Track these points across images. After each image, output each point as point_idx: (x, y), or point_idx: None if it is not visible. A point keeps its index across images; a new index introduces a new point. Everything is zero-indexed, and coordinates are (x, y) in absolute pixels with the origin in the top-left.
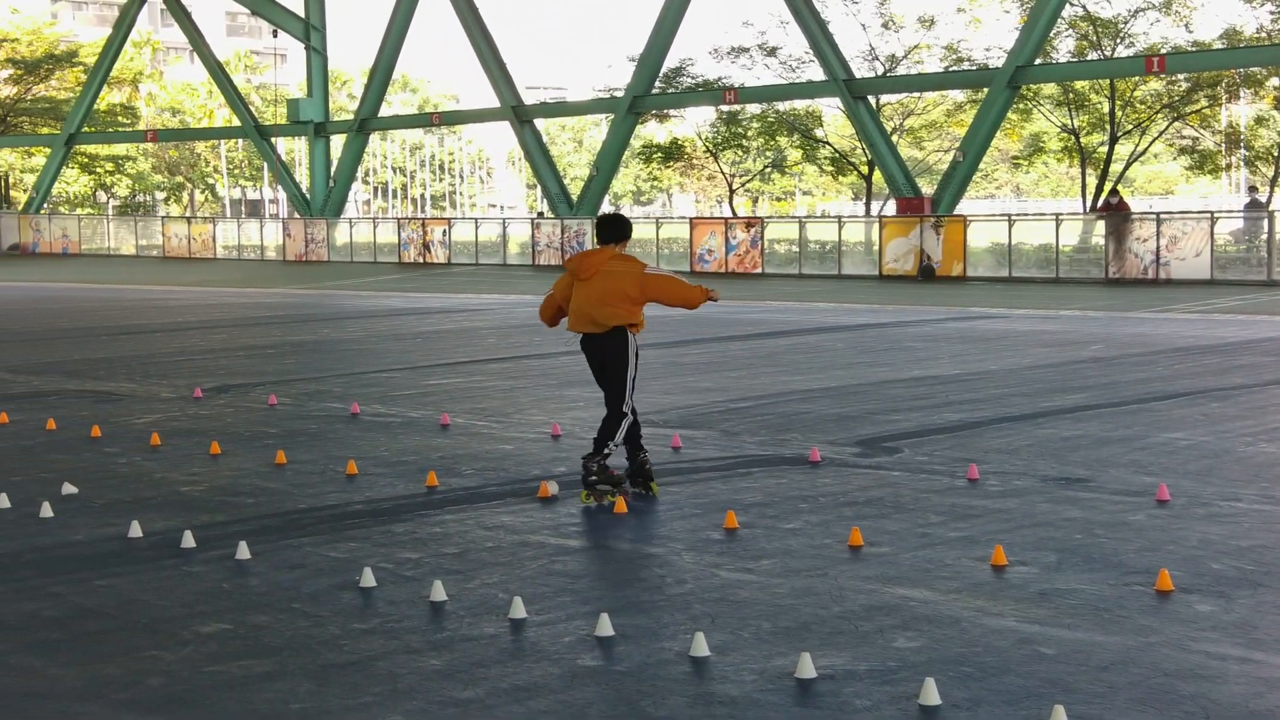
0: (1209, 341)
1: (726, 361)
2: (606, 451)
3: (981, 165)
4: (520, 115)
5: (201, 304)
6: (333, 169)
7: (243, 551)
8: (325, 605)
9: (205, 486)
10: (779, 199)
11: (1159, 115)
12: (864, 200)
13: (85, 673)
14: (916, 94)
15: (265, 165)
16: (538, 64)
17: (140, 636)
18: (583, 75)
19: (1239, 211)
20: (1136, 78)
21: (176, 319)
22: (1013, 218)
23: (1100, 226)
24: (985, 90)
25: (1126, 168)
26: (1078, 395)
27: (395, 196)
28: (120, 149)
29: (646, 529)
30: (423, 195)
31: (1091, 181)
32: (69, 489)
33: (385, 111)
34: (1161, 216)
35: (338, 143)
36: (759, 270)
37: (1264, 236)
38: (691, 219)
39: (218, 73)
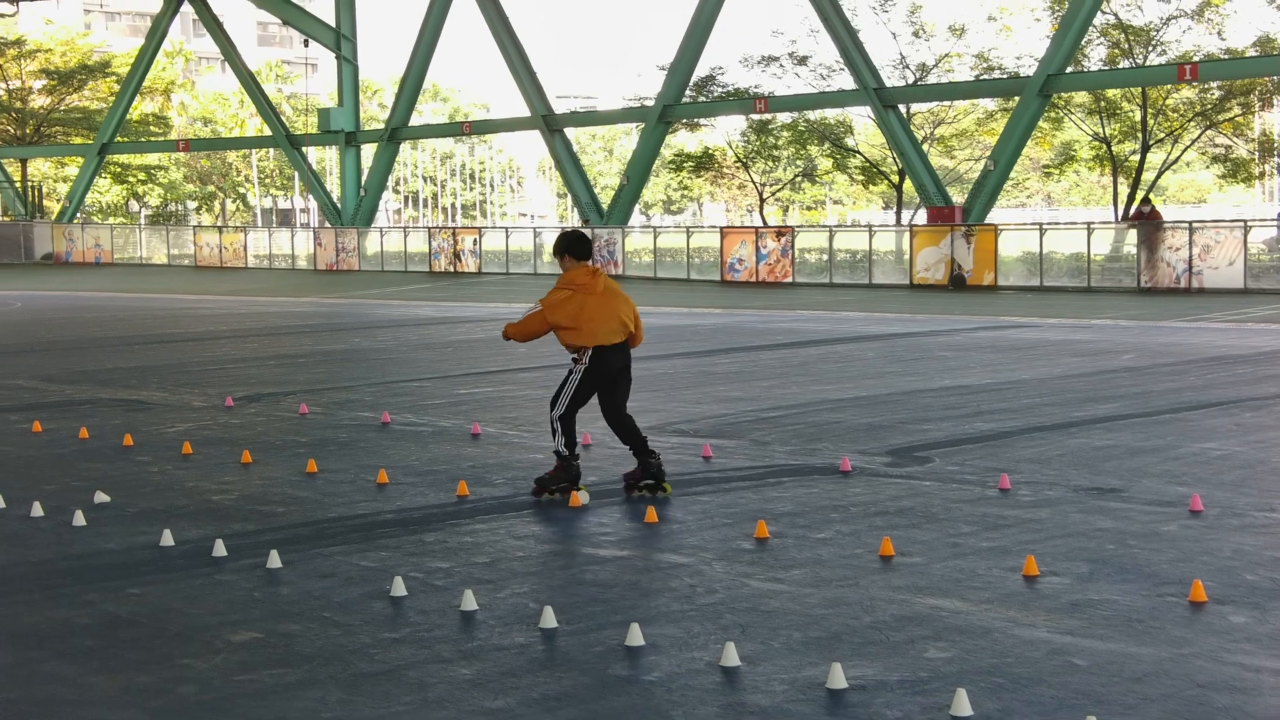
0: (1242, 351)
1: (757, 371)
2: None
3: (1012, 174)
4: (551, 124)
5: (233, 313)
6: (363, 178)
7: (274, 560)
8: (356, 614)
9: (236, 495)
10: (809, 208)
11: (1191, 123)
12: (894, 209)
13: (118, 681)
14: (947, 103)
15: (296, 174)
16: (568, 73)
17: (172, 645)
18: (613, 84)
19: (1272, 220)
20: (1169, 86)
21: (208, 328)
22: (1044, 226)
23: (1132, 235)
24: (1016, 99)
25: (1159, 176)
26: (1110, 405)
27: (426, 205)
28: (152, 158)
29: (677, 539)
30: (453, 204)
31: (1123, 190)
32: (101, 497)
33: (416, 121)
34: (1194, 225)
35: (368, 152)
36: (789, 279)
37: None
38: (722, 228)
39: (249, 82)
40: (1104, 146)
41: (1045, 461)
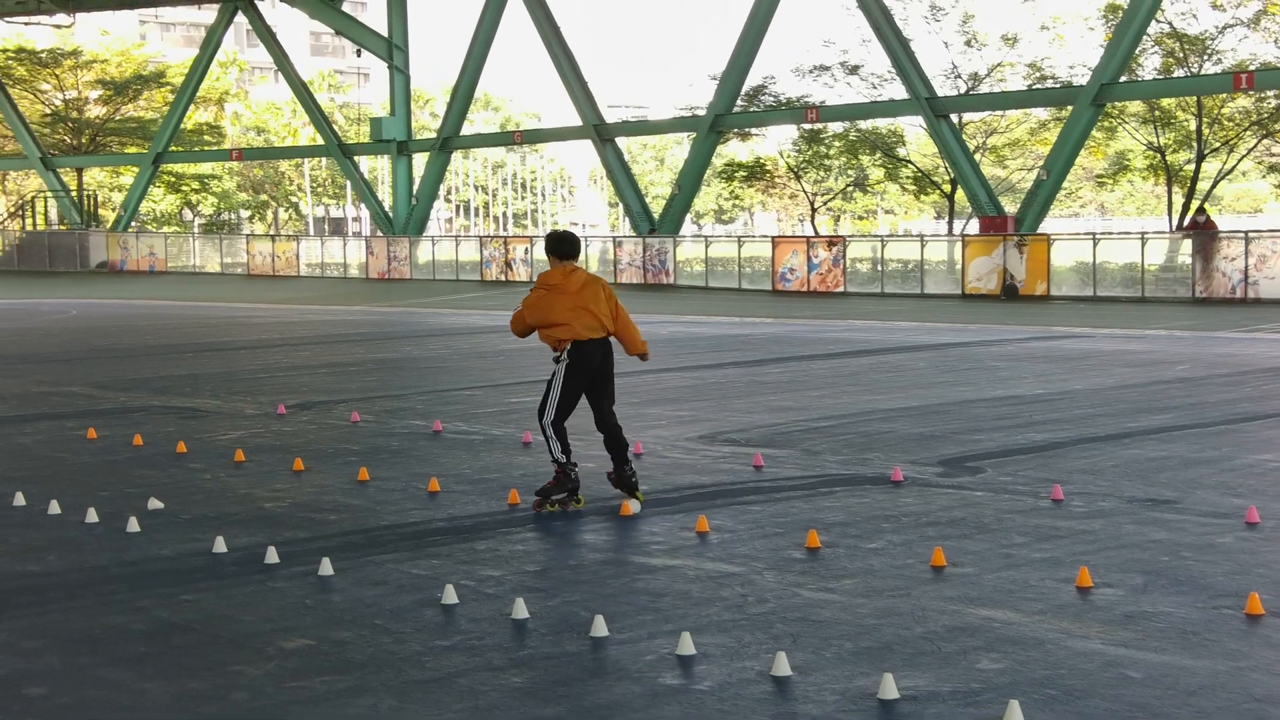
0: None
1: (808, 380)
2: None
3: (1065, 183)
4: (602, 134)
5: (285, 321)
6: (415, 187)
7: (325, 568)
8: (407, 622)
9: (289, 502)
10: (861, 217)
11: (1247, 132)
12: (946, 219)
13: (171, 687)
14: (1000, 112)
15: (348, 183)
16: (619, 82)
17: (225, 651)
18: (664, 93)
19: None
20: (1224, 94)
21: (260, 336)
22: (1097, 236)
23: (1187, 245)
24: (1069, 108)
25: (1214, 186)
26: (1164, 416)
27: (477, 214)
28: (206, 168)
29: (728, 548)
30: (504, 213)
31: (1178, 200)
32: (155, 504)
33: (467, 130)
34: (1250, 235)
35: (420, 161)
36: (841, 289)
37: None
38: (773, 238)
39: (302, 92)
40: (1158, 156)
41: (1098, 472)
